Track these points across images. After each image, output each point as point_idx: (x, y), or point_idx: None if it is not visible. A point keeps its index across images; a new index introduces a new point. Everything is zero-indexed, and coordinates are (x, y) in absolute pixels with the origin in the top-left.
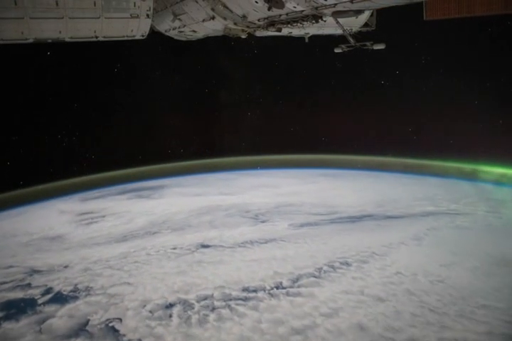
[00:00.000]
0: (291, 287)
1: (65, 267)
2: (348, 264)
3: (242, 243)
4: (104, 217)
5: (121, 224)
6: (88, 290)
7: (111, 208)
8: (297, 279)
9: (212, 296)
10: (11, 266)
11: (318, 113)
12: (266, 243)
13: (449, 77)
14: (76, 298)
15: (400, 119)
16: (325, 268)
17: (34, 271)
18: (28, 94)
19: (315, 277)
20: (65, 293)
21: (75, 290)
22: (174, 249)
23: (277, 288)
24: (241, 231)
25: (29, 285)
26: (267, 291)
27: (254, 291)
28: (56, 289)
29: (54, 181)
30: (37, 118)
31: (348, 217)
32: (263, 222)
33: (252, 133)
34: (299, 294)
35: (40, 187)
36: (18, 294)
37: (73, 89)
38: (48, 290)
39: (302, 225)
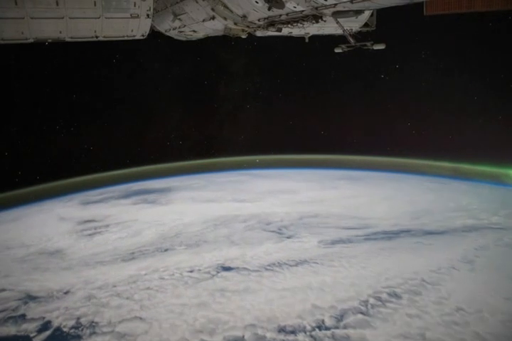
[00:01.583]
0: (336, 327)
1: (66, 293)
2: (397, 296)
3: (269, 265)
4: (108, 226)
5: (127, 236)
6: (93, 326)
7: (115, 216)
8: (341, 316)
9: (243, 339)
10: (3, 290)
11: (318, 111)
12: (296, 265)
13: (449, 72)
14: (79, 337)
15: (407, 118)
16: (371, 300)
17: (30, 298)
18: (25, 88)
19: (362, 314)
20: (65, 329)
21: (78, 326)
22: (191, 271)
23: (319, 328)
24: (266, 250)
25: (23, 317)
26: (308, 333)
27: (293, 333)
28: (55, 323)
29: (53, 180)
30: (34, 113)
31: (383, 232)
32: (289, 237)
33: (256, 132)
34: (347, 338)
35: (38, 186)
36: (11, 329)
37: (72, 83)
38: (46, 325)
39: (334, 242)
